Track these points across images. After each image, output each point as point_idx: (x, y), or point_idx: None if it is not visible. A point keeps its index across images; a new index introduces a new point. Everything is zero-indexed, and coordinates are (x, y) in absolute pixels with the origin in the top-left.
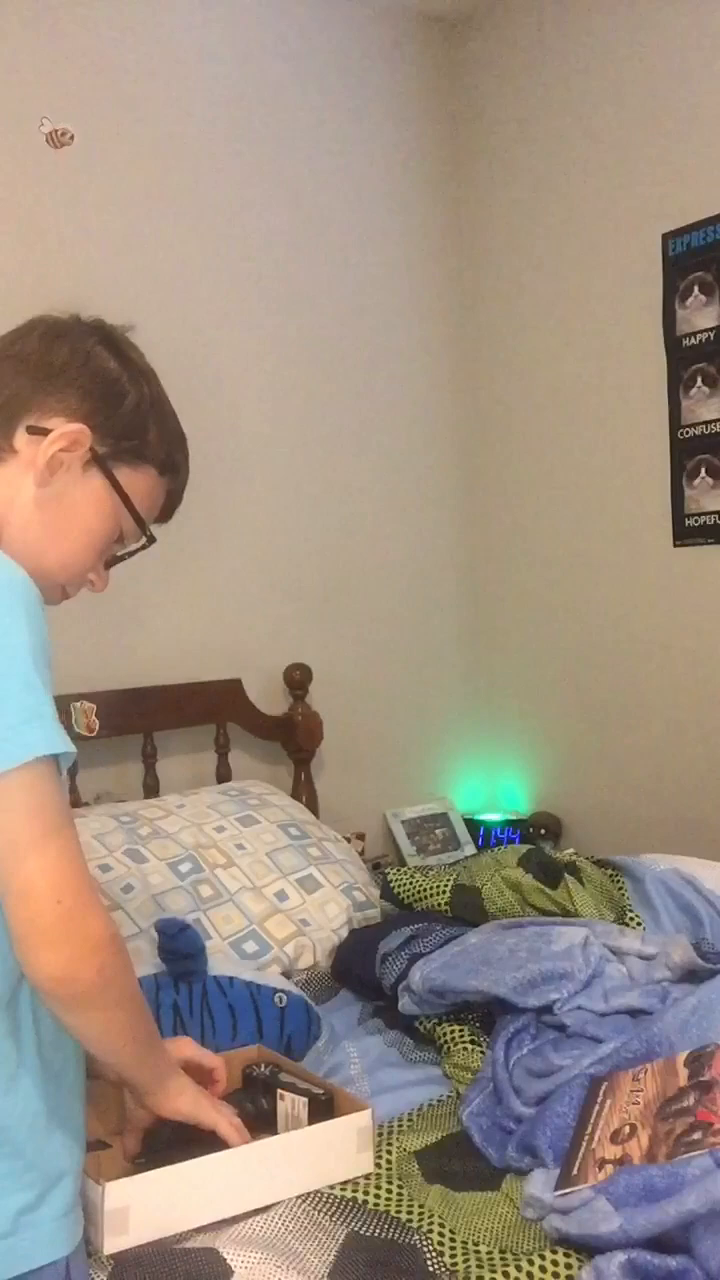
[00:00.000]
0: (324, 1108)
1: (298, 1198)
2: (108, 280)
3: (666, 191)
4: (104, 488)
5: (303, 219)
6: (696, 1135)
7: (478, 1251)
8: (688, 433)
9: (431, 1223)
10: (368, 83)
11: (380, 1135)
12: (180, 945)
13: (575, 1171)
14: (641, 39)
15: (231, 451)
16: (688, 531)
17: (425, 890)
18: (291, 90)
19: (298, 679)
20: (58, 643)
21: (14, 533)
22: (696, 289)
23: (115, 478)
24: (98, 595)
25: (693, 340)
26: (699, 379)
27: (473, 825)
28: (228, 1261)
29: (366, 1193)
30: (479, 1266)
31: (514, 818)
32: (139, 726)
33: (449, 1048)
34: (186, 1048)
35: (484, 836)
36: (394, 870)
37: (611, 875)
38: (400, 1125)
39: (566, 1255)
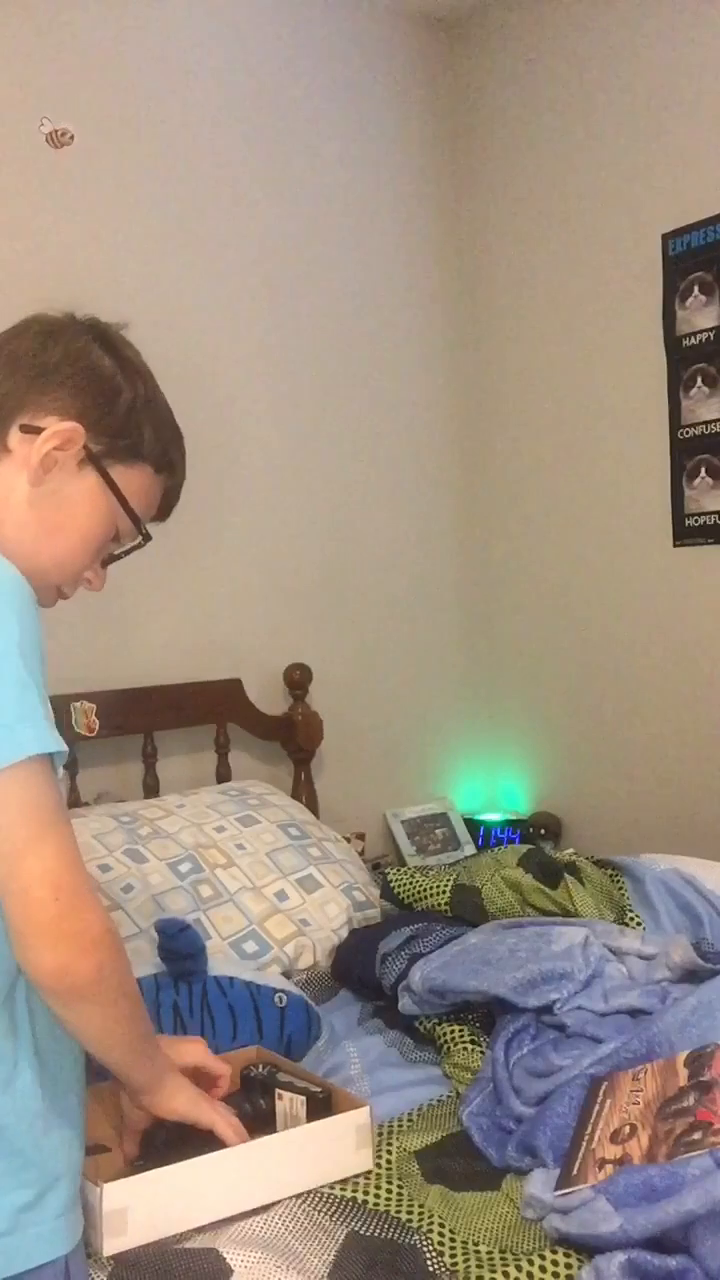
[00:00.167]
0: (322, 1106)
1: (298, 1198)
2: (108, 280)
3: (666, 191)
4: (98, 486)
5: (302, 219)
6: (696, 1135)
7: (478, 1251)
8: (688, 433)
9: (431, 1223)
10: (368, 83)
11: (380, 1135)
12: (180, 945)
13: (575, 1171)
14: (641, 39)
15: (231, 451)
16: (688, 531)
17: (425, 890)
18: (291, 90)
19: (298, 679)
20: (58, 643)
21: (8, 532)
22: (696, 289)
23: (110, 476)
24: (98, 595)
25: (693, 340)
26: (699, 379)
27: (473, 825)
28: (228, 1261)
29: (366, 1193)
30: (479, 1266)
31: (514, 818)
32: (139, 726)
33: (449, 1048)
34: (197, 1052)
35: (484, 836)
36: (394, 870)
37: (611, 875)
38: (400, 1125)
39: (566, 1255)
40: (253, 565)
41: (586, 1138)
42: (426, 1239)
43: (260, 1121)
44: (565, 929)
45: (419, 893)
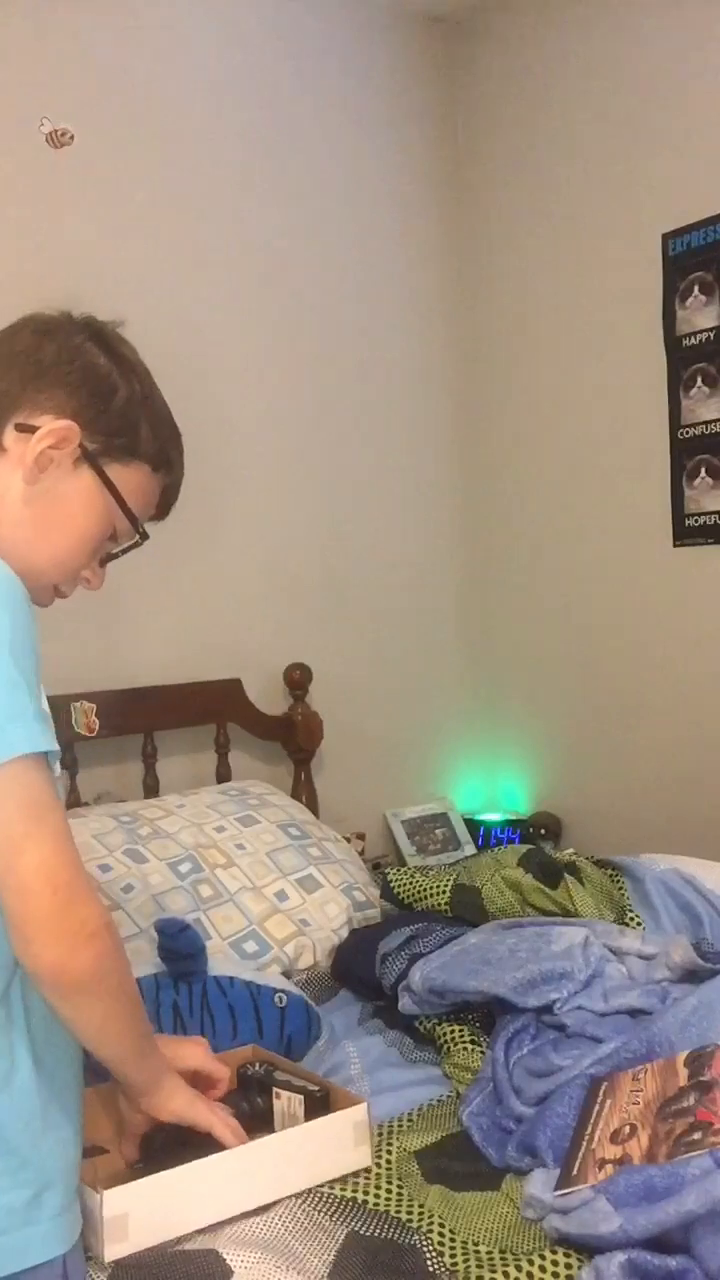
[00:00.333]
0: (320, 1105)
1: (297, 1198)
2: (108, 280)
3: (666, 191)
4: (95, 485)
5: (302, 218)
6: (696, 1135)
7: (478, 1251)
8: (688, 433)
9: (431, 1223)
10: (368, 83)
11: (380, 1135)
12: (180, 945)
13: (575, 1171)
14: (642, 39)
15: (231, 451)
16: (688, 531)
17: (425, 890)
18: (291, 90)
19: (298, 679)
20: (58, 643)
21: (4, 530)
22: (696, 289)
23: (106, 474)
24: (98, 595)
25: (693, 340)
26: (699, 379)
27: (473, 825)
28: (228, 1262)
29: (366, 1193)
30: (479, 1266)
31: (514, 818)
32: (139, 726)
33: (449, 1048)
34: (197, 1055)
35: (484, 836)
36: (394, 870)
37: (611, 875)
38: (400, 1125)
39: (566, 1255)
40: (253, 565)
41: (586, 1138)
42: (426, 1239)
43: (258, 1120)
44: (565, 929)
45: (419, 893)
